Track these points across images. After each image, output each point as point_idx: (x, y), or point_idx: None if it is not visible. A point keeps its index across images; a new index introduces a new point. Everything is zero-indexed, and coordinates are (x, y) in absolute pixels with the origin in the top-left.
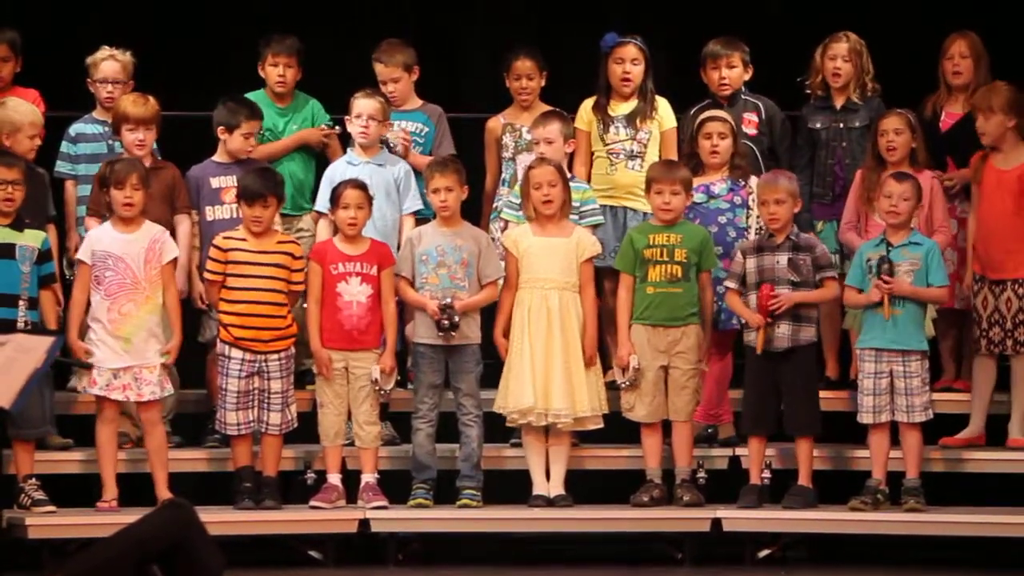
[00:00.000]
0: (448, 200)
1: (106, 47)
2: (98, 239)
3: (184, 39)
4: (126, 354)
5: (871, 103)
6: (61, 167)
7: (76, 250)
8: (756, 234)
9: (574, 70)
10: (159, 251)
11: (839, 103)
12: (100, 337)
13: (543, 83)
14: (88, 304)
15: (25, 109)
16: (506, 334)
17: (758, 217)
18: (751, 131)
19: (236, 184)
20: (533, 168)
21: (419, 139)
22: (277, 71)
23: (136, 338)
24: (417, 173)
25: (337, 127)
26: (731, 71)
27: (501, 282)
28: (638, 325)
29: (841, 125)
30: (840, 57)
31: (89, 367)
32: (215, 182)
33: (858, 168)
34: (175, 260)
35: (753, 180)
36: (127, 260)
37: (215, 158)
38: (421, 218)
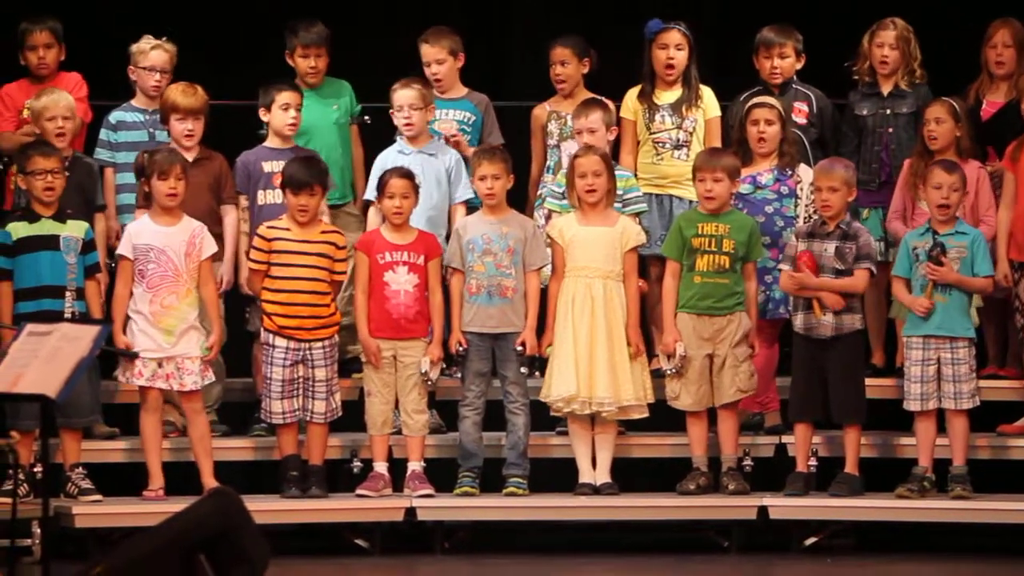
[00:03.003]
0: (495, 188)
1: (150, 36)
2: (138, 233)
3: (220, 25)
4: (168, 345)
5: (919, 90)
6: (100, 154)
7: (117, 238)
8: (805, 222)
9: (619, 58)
10: (199, 246)
11: (886, 90)
12: (142, 328)
13: (585, 70)
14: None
15: (54, 94)
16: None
17: (807, 206)
18: (801, 120)
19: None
20: (579, 157)
21: (467, 128)
22: (308, 62)
23: (177, 330)
24: (467, 162)
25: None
26: (783, 60)
27: (547, 270)
28: (684, 313)
29: (888, 111)
30: (888, 44)
31: (136, 357)
32: (267, 166)
33: (904, 155)
34: (212, 256)
35: (801, 168)
36: (168, 253)
37: (267, 143)
38: (473, 207)
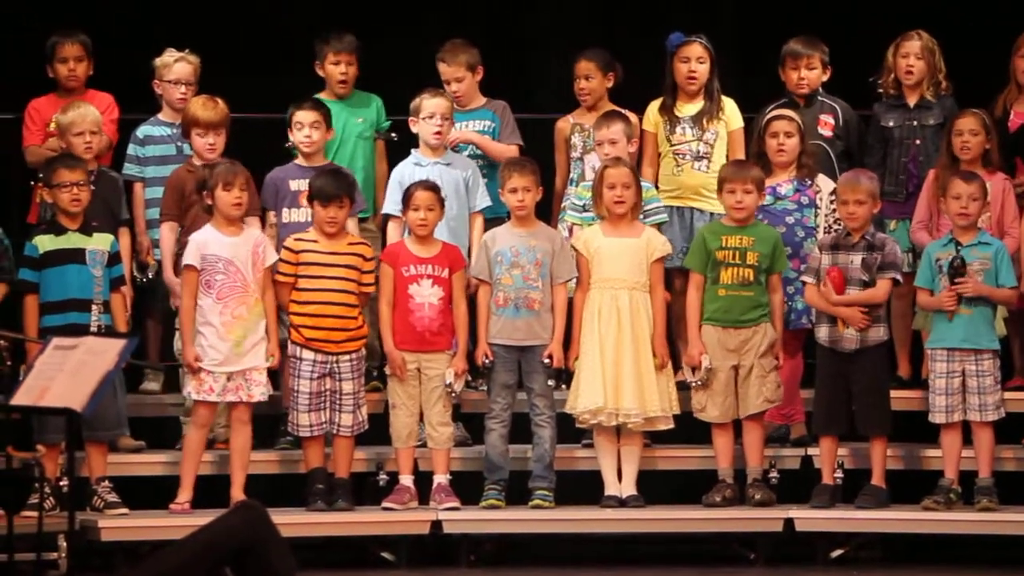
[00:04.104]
0: (525, 200)
1: (173, 49)
2: (205, 243)
3: (245, 39)
4: (237, 357)
5: (944, 101)
6: (129, 169)
7: (147, 253)
8: (827, 232)
9: (642, 70)
10: (263, 254)
11: (912, 101)
12: (212, 343)
13: (609, 84)
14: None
15: (81, 108)
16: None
17: (827, 216)
18: (826, 132)
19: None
20: (609, 168)
21: (488, 136)
22: (339, 69)
23: (247, 341)
24: (492, 166)
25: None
26: (810, 72)
27: (573, 284)
28: (708, 325)
29: (915, 123)
30: (913, 55)
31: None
32: (294, 184)
33: (932, 166)
34: (274, 264)
35: (820, 178)
36: (236, 263)
37: (296, 161)
38: (489, 216)
